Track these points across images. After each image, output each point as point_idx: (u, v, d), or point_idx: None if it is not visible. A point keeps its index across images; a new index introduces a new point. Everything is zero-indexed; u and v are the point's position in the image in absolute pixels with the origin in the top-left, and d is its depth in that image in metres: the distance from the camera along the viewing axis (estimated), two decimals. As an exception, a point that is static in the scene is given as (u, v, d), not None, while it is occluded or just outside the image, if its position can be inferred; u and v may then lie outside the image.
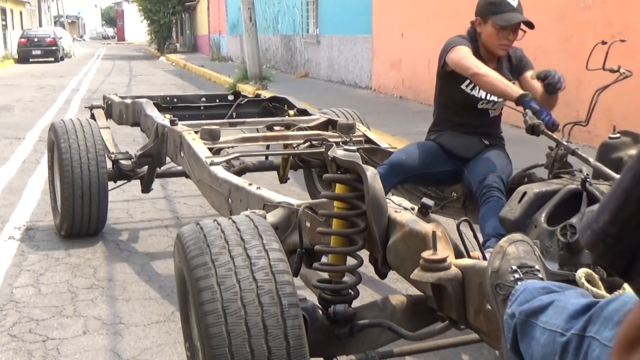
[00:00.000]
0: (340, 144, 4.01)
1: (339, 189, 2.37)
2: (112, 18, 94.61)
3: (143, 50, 45.52)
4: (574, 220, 2.43)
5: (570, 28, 7.73)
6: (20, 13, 40.05)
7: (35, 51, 30.66)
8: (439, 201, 3.66)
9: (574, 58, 7.34)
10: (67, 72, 23.58)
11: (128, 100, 5.25)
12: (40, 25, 44.84)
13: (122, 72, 23.66)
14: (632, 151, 2.71)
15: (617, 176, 2.57)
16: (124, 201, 5.74)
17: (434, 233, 1.96)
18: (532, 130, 2.94)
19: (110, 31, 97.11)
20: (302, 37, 18.39)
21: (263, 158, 4.92)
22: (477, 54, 3.35)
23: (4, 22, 33.21)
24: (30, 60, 30.28)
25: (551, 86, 3.04)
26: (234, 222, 2.15)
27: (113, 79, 19.91)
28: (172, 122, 4.21)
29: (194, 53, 36.65)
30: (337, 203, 2.37)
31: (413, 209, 2.30)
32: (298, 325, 1.90)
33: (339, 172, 2.35)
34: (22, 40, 31.10)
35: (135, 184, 5.87)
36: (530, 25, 3.34)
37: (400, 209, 2.30)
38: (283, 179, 4.99)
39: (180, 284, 2.30)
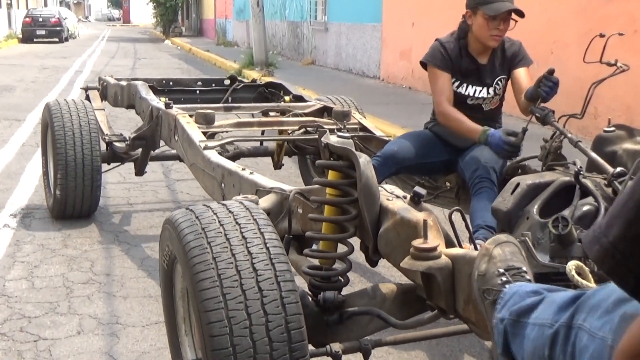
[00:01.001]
0: (335, 130, 4.01)
1: (331, 175, 2.36)
2: (118, 0, 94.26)
3: (148, 33, 45.41)
4: (566, 212, 2.43)
5: (590, 22, 7.46)
6: (25, -8, 39.94)
7: (40, 31, 30.61)
8: (432, 191, 3.66)
9: (594, 53, 7.29)
10: (71, 53, 23.53)
11: (123, 82, 5.24)
12: (46, 5, 44.69)
13: (126, 54, 23.59)
14: (627, 145, 2.71)
15: (611, 169, 2.57)
16: (124, 189, 5.66)
17: (425, 222, 1.95)
18: (543, 120, 2.97)
19: (116, 13, 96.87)
20: (310, 24, 18.21)
21: (257, 143, 4.91)
22: (463, 52, 3.39)
23: (8, 1, 33.09)
24: (35, 40, 30.22)
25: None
26: (226, 206, 2.14)
27: (117, 62, 19.83)
28: (167, 105, 4.20)
29: (200, 37, 36.52)
30: (329, 190, 2.36)
31: (405, 197, 2.29)
32: (297, 312, 1.89)
33: (331, 159, 2.34)
34: (27, 19, 31.02)
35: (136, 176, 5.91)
36: (520, 13, 3.32)
37: (393, 197, 2.29)
38: (277, 165, 4.99)
39: (166, 272, 2.28)
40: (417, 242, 1.93)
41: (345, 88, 11.71)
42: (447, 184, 3.63)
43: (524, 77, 3.42)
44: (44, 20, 30.95)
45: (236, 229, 2.03)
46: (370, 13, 14.24)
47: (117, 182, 5.82)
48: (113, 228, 4.70)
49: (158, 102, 4.46)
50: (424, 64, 3.49)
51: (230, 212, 2.10)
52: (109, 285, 3.74)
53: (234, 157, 4.74)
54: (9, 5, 33.03)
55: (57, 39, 30.94)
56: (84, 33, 42.77)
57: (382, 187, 2.35)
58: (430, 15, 11.38)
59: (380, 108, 9.15)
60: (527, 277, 1.77)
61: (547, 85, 3.00)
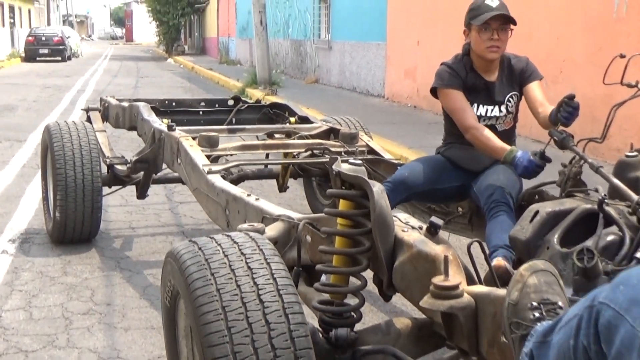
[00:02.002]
0: (344, 155, 3.91)
1: (342, 205, 2.24)
2: (121, 18, 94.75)
3: (151, 52, 45.49)
4: (589, 242, 2.31)
5: (601, 39, 7.31)
6: (29, 11, 40.07)
7: (43, 50, 30.62)
8: (444, 216, 3.53)
9: (604, 71, 7.12)
10: (73, 71, 23.51)
11: (125, 104, 5.15)
12: (49, 24, 44.90)
13: (129, 73, 23.55)
14: (651, 170, 2.58)
15: (635, 196, 2.45)
16: (125, 212, 5.50)
17: (445, 257, 1.83)
18: (561, 144, 2.86)
19: (119, 31, 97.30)
20: (313, 42, 18.14)
21: (262, 166, 4.81)
22: (469, 69, 3.29)
23: (12, 20, 33.20)
24: (37, 59, 30.23)
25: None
26: (230, 237, 2.03)
27: (120, 80, 19.77)
28: (170, 128, 4.09)
29: (202, 55, 36.60)
30: (341, 220, 2.24)
31: (421, 228, 2.17)
32: (307, 346, 1.77)
33: (343, 187, 2.22)
34: (30, 38, 31.05)
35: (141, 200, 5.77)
36: (510, 19, 3.23)
37: (408, 227, 2.16)
38: (282, 188, 4.88)
39: (169, 310, 2.16)
40: (438, 280, 1.80)
41: (350, 107, 11.62)
42: (460, 209, 3.51)
43: (538, 90, 3.32)
44: (46, 39, 30.97)
45: (241, 260, 1.92)
46: (374, 31, 14.15)
47: (118, 204, 5.68)
48: (114, 254, 4.54)
49: (160, 124, 4.37)
50: (433, 91, 3.39)
51: (235, 242, 1.99)
52: (109, 316, 3.58)
53: (237, 180, 4.63)
54: (12, 24, 33.13)
55: (59, 58, 30.95)
56: (86, 51, 42.86)
57: (396, 216, 2.22)
58: (436, 34, 11.30)
59: (386, 128, 9.04)
60: (562, 314, 1.64)
61: (567, 110, 2.89)
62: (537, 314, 1.60)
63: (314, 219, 2.44)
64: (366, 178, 2.11)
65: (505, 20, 3.22)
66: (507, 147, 3.12)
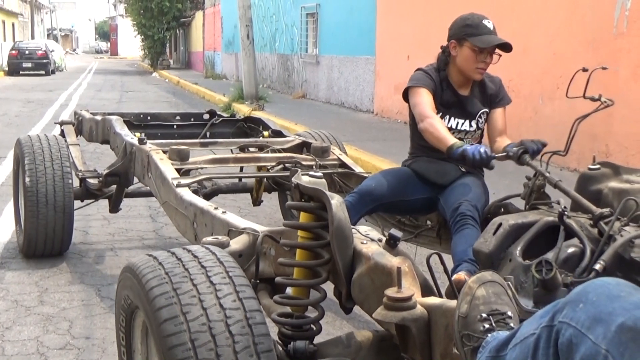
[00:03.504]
0: (304, 169, 3.92)
1: (303, 217, 2.24)
2: (106, 32, 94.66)
3: (136, 66, 45.44)
4: (549, 255, 2.32)
5: (601, 56, 7.06)
6: (13, 25, 39.94)
7: (26, 64, 30.54)
8: (413, 229, 3.55)
9: (604, 88, 6.61)
10: (57, 86, 23.39)
11: (98, 117, 5.13)
12: (33, 37, 44.79)
13: (113, 87, 23.48)
14: (612, 183, 2.60)
15: (596, 209, 2.47)
16: (108, 234, 5.31)
17: (398, 269, 1.83)
18: (518, 159, 2.89)
19: (104, 45, 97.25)
20: (301, 57, 18.05)
21: (236, 180, 4.81)
22: (444, 84, 3.30)
23: (-6, 34, 33.14)
24: (21, 72, 30.13)
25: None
26: (190, 252, 2.01)
27: (104, 95, 19.67)
28: (141, 141, 4.08)
29: (188, 70, 36.60)
30: (301, 232, 2.24)
31: (381, 240, 2.17)
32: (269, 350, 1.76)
33: (303, 200, 2.22)
34: (13, 52, 30.96)
35: (123, 216, 5.66)
36: (508, 48, 3.26)
37: (367, 240, 2.16)
38: (256, 202, 4.89)
39: (125, 323, 2.14)
40: (391, 291, 1.80)
41: (339, 123, 11.51)
42: (428, 222, 3.52)
43: (501, 118, 3.40)
44: (30, 52, 30.89)
45: (202, 273, 1.90)
46: (363, 46, 14.06)
47: (100, 225, 5.55)
48: (95, 281, 4.30)
49: (132, 137, 4.35)
50: (405, 93, 3.39)
51: (195, 256, 1.97)
52: (88, 351, 3.31)
53: (211, 194, 4.64)
54: (-5, 38, 33.05)
55: (43, 72, 30.86)
56: (71, 65, 42.73)
57: (356, 229, 2.22)
58: (427, 49, 11.05)
59: (377, 144, 8.94)
60: (512, 324, 1.65)
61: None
62: (487, 325, 1.61)
63: (275, 232, 2.43)
64: (325, 191, 2.11)
65: (497, 46, 3.25)
66: (454, 139, 3.11)
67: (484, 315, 1.62)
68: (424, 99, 3.27)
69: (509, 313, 1.65)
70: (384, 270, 1.97)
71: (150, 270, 1.93)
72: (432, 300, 1.86)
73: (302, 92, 17.71)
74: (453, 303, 1.73)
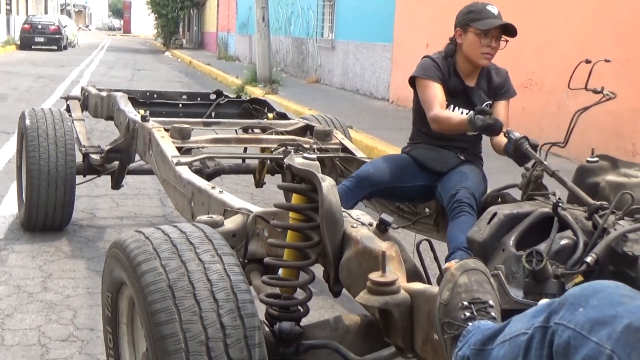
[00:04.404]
0: (315, 151, 3.91)
1: (295, 199, 2.24)
2: (119, 9, 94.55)
3: (148, 44, 45.41)
4: (542, 246, 2.31)
5: (630, 50, 6.79)
6: (26, -1, 39.96)
7: (38, 38, 30.54)
8: (411, 216, 3.54)
9: (633, 84, 6.52)
10: (69, 62, 23.38)
11: (104, 93, 5.14)
12: (46, 12, 44.72)
13: (125, 65, 23.41)
14: (610, 176, 2.59)
15: (592, 201, 2.45)
16: (116, 218, 5.19)
17: (383, 253, 1.82)
18: (516, 148, 2.87)
19: (117, 23, 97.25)
20: (316, 41, 17.78)
21: (239, 161, 4.81)
22: (451, 71, 3.27)
23: (8, 7, 33.03)
24: (33, 47, 30.13)
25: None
26: (178, 228, 2.01)
27: (116, 72, 19.60)
28: (143, 118, 4.08)
29: (200, 50, 36.52)
30: (293, 214, 2.24)
31: (372, 224, 2.16)
32: (259, 343, 1.76)
33: (295, 182, 2.21)
34: (26, 26, 30.94)
35: (131, 199, 5.67)
36: (512, 31, 3.23)
37: (358, 224, 2.16)
38: (259, 184, 4.88)
39: (112, 301, 2.14)
40: (374, 275, 1.80)
41: (354, 109, 11.35)
42: (427, 209, 3.51)
43: (503, 111, 3.36)
44: (43, 27, 30.87)
45: (191, 250, 1.90)
46: (380, 32, 13.78)
47: (108, 208, 5.47)
48: (101, 267, 3.92)
49: (135, 114, 4.35)
50: (412, 81, 3.38)
51: (182, 232, 1.97)
52: (92, 344, 3.13)
53: (213, 174, 4.64)
54: (9, 11, 33.00)
55: (55, 47, 30.87)
56: (83, 42, 42.72)
57: (347, 213, 2.22)
58: (446, 37, 10.82)
59: (393, 133, 8.78)
60: (493, 313, 1.64)
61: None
62: (468, 314, 1.60)
63: (266, 213, 2.43)
64: (316, 173, 2.10)
65: (503, 31, 3.23)
66: (468, 115, 3.06)
67: (466, 303, 1.62)
68: (434, 94, 3.25)
69: (491, 302, 1.64)
70: (371, 255, 1.97)
71: (139, 245, 1.93)
72: (416, 285, 1.85)
73: (316, 77, 17.50)
74: (436, 289, 1.72)
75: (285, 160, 2.21)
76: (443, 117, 3.17)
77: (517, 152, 2.86)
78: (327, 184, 2.07)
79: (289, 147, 4.01)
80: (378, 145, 7.94)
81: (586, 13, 7.61)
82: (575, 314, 1.24)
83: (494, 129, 2.90)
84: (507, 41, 3.27)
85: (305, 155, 2.22)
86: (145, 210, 5.49)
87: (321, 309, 3.61)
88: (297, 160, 2.19)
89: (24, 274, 3.96)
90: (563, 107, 7.60)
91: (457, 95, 3.33)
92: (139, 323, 2.09)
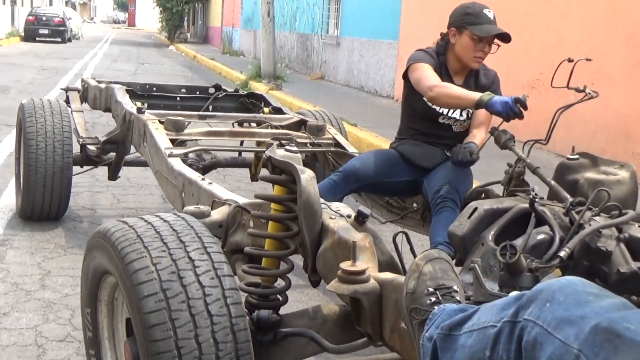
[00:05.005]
0: (309, 145, 3.97)
1: (276, 190, 2.29)
2: (124, 2, 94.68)
3: (153, 38, 45.42)
4: (519, 240, 2.36)
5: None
6: (31, -10, 39.96)
7: (43, 30, 30.59)
8: (399, 211, 3.60)
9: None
10: (73, 54, 23.42)
11: (103, 85, 5.20)
12: (51, 4, 44.75)
13: (129, 58, 23.42)
14: (589, 174, 2.64)
15: (570, 198, 2.50)
16: (117, 214, 5.08)
17: (354, 243, 1.87)
18: (502, 145, 2.91)
19: (121, 15, 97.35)
20: (321, 37, 17.75)
21: (236, 154, 4.86)
22: (442, 68, 3.31)
23: (12, -2, 33.14)
24: (37, 39, 30.19)
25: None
26: (160, 217, 2.06)
27: (119, 66, 19.62)
28: (139, 110, 4.14)
29: (205, 45, 36.56)
30: (274, 205, 2.30)
31: (350, 216, 2.22)
32: (246, 339, 1.81)
33: (275, 173, 2.27)
34: (30, 18, 31.00)
35: (133, 194, 5.65)
36: (507, 38, 3.27)
37: (336, 215, 2.21)
38: (254, 177, 4.93)
39: (90, 289, 2.18)
40: (345, 265, 1.85)
41: (359, 107, 11.33)
42: (415, 205, 3.56)
43: (483, 113, 3.32)
44: (47, 19, 30.93)
45: (174, 236, 1.94)
46: (386, 29, 13.68)
47: (109, 204, 5.39)
48: None
49: (132, 106, 4.41)
50: (405, 74, 3.38)
51: (165, 221, 2.02)
52: None
53: (210, 167, 4.70)
54: (13, 2, 33.04)
55: (59, 39, 30.92)
56: (88, 34, 42.72)
57: (326, 204, 2.27)
58: None
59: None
60: (457, 297, 1.69)
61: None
62: (433, 299, 1.66)
63: (248, 204, 2.48)
64: (295, 165, 2.15)
65: (496, 36, 3.26)
66: (477, 93, 3.05)
67: (431, 289, 1.67)
68: (428, 72, 3.23)
69: (455, 287, 1.70)
70: (346, 245, 2.02)
71: (123, 234, 1.98)
72: (385, 275, 1.90)
73: (321, 74, 17.45)
74: (403, 279, 1.78)
75: (266, 152, 2.26)
76: (447, 88, 3.13)
77: (503, 148, 2.91)
78: (306, 175, 2.12)
79: (282, 141, 4.06)
80: (383, 143, 7.93)
81: (597, 13, 7.53)
82: (542, 310, 1.26)
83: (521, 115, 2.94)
84: (499, 46, 3.31)
85: (287, 147, 2.27)
86: (147, 205, 5.46)
87: (309, 301, 3.67)
88: (278, 152, 2.24)
89: (22, 271, 3.89)
90: (571, 108, 7.55)
91: None
92: (120, 310, 2.15)
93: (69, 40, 32.44)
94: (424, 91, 3.21)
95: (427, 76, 3.22)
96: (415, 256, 2.25)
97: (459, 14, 3.36)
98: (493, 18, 3.29)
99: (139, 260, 1.83)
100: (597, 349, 1.16)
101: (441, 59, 3.39)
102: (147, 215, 2.06)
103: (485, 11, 3.29)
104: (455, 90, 3.12)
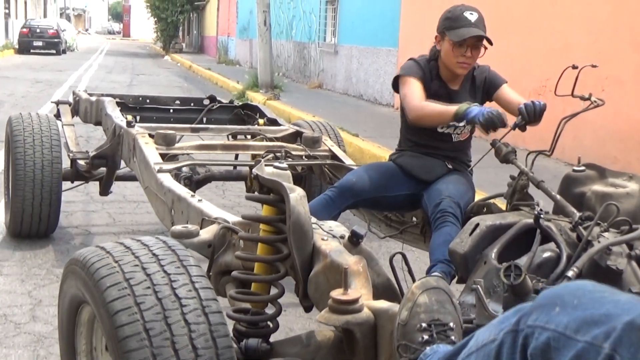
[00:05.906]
0: (304, 158, 3.85)
1: (265, 210, 2.16)
2: (119, 13, 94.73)
3: (148, 48, 45.32)
4: (523, 259, 2.22)
5: None
6: (25, 2, 39.69)
7: (37, 42, 30.41)
8: (398, 225, 3.47)
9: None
10: (67, 66, 23.26)
11: (94, 98, 5.07)
12: (45, 16, 44.61)
13: (124, 70, 23.28)
14: (596, 186, 2.51)
15: (577, 212, 2.37)
16: (112, 234, 4.87)
17: (345, 270, 1.73)
18: (503, 158, 2.79)
19: (116, 26, 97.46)
20: (318, 46, 17.54)
21: (231, 167, 4.74)
22: (434, 76, 3.18)
23: (7, 10, 32.91)
24: (31, 51, 30.03)
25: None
26: (140, 241, 1.93)
27: (114, 77, 19.45)
28: (129, 124, 4.01)
29: (200, 54, 36.47)
30: (263, 226, 2.16)
31: (343, 237, 2.08)
32: (226, 337, 1.67)
33: (264, 191, 2.13)
34: (24, 30, 30.82)
35: (129, 214, 5.43)
36: (488, 41, 3.14)
37: (329, 236, 2.07)
38: (250, 189, 4.80)
39: (68, 319, 2.05)
40: (336, 293, 1.71)
41: (358, 116, 11.14)
42: (414, 219, 3.43)
43: (508, 91, 3.23)
44: (41, 31, 30.76)
45: (154, 261, 1.81)
46: (385, 37, 13.46)
47: (105, 224, 5.15)
48: None
49: (122, 119, 4.29)
50: (395, 83, 3.28)
51: (144, 245, 1.89)
52: None
53: (204, 180, 4.57)
54: (7, 15, 32.91)
55: (54, 51, 30.78)
56: (82, 46, 42.59)
57: (318, 224, 2.14)
58: None
59: None
60: (453, 337, 1.55)
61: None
62: (426, 336, 1.52)
63: (236, 224, 2.35)
64: (284, 183, 2.02)
65: (481, 38, 3.13)
66: (454, 106, 2.96)
67: (424, 324, 1.53)
68: (413, 89, 3.15)
69: (451, 324, 1.56)
70: (338, 269, 1.88)
71: (99, 259, 1.85)
72: (380, 304, 1.76)
73: (319, 82, 17.19)
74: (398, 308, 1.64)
75: (253, 170, 2.13)
76: (421, 106, 3.06)
77: (504, 162, 2.80)
78: (296, 194, 1.99)
79: (277, 153, 3.95)
80: (386, 154, 7.76)
81: (604, 17, 7.35)
82: (551, 314, 1.16)
83: (502, 123, 2.83)
84: (486, 48, 3.18)
85: (276, 164, 2.14)
86: (144, 226, 5.17)
87: (309, 319, 3.51)
88: (266, 170, 2.11)
89: (11, 301, 3.64)
90: (580, 115, 7.37)
91: (440, 98, 3.23)
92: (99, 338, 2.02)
93: (64, 52, 32.29)
94: (407, 113, 3.15)
95: (411, 93, 3.13)
96: (413, 278, 2.13)
97: (441, 19, 3.25)
98: (476, 20, 3.12)
99: (120, 299, 1.71)
100: (633, 348, 1.05)
101: (432, 64, 3.26)
102: (127, 240, 1.93)
103: (467, 14, 3.13)
104: (433, 108, 3.03)
